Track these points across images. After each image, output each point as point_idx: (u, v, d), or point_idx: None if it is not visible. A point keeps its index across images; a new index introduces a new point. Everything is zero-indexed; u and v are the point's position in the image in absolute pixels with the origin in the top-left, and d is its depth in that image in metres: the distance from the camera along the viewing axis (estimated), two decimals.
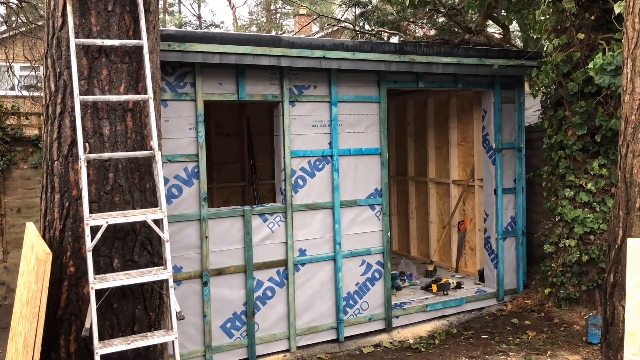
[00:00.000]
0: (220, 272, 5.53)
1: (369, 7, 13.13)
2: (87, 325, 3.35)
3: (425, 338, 6.35)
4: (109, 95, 3.63)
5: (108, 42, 3.61)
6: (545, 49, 6.86)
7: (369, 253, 6.30)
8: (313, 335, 5.98)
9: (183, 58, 5.16)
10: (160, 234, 3.58)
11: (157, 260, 3.76)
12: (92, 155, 3.51)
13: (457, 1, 10.61)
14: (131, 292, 3.67)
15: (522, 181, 7.32)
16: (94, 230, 3.36)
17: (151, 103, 3.68)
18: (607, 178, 6.41)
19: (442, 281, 7.10)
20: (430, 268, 8.03)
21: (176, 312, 3.50)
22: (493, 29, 14.00)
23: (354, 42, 6.01)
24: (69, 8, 3.57)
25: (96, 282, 3.32)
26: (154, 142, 3.66)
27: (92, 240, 3.33)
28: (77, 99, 3.48)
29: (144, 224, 3.65)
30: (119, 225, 3.58)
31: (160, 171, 3.62)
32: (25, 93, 13.85)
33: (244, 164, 9.38)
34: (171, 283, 3.55)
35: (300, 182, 5.90)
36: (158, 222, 3.60)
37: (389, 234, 6.41)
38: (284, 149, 5.80)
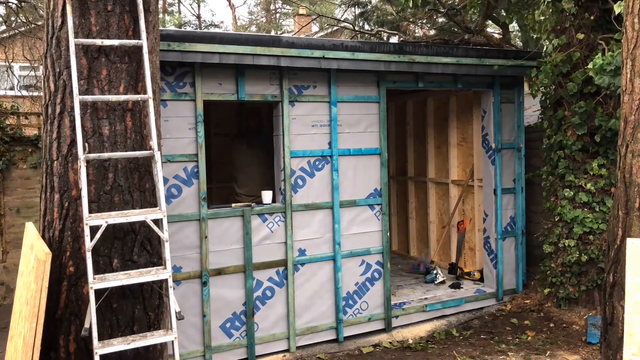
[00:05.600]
0: (219, 272, 5.53)
1: (369, 7, 13.14)
2: (86, 325, 3.35)
3: (425, 338, 6.35)
4: (108, 95, 3.62)
5: (107, 42, 3.60)
6: (544, 49, 6.85)
7: (368, 253, 6.30)
8: (312, 335, 5.98)
9: (182, 58, 5.16)
10: (160, 233, 3.58)
11: (156, 260, 3.76)
12: (92, 155, 3.51)
13: (457, 1, 10.62)
14: (131, 292, 3.66)
15: (521, 181, 7.32)
16: (94, 230, 3.36)
17: (151, 103, 3.68)
18: (606, 178, 6.41)
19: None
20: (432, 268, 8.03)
21: (176, 312, 3.50)
22: (493, 29, 14.00)
23: (354, 42, 6.01)
24: (68, 8, 3.57)
25: (95, 282, 3.32)
26: (154, 142, 3.66)
27: (91, 240, 3.33)
28: (77, 98, 3.48)
29: (143, 223, 3.64)
30: (119, 225, 3.58)
31: (159, 171, 3.62)
32: (24, 93, 13.84)
33: None
34: (170, 283, 3.55)
35: (299, 182, 5.90)
36: (157, 222, 3.60)
37: (388, 234, 6.41)
38: (284, 149, 5.80)
